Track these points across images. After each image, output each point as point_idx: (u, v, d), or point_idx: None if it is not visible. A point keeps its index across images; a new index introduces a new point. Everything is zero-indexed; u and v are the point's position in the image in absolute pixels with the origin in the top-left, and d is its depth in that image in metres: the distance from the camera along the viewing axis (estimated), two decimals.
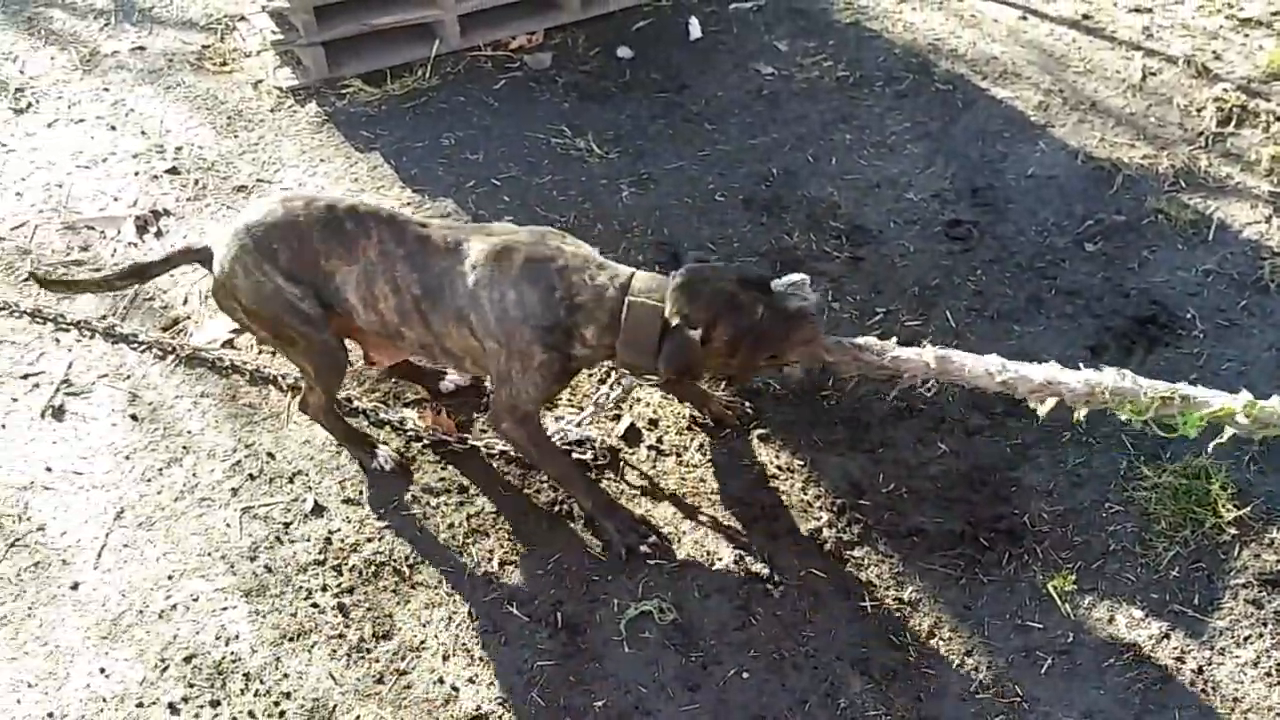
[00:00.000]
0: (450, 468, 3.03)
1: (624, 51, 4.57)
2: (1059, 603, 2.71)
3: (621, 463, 3.04)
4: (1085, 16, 4.68)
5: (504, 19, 4.63)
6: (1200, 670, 2.58)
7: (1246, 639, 2.64)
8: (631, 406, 3.18)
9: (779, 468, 3.02)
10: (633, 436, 3.11)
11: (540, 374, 2.67)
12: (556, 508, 2.93)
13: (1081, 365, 2.52)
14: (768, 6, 4.82)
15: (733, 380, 3.19)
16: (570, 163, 4.04)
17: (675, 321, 2.55)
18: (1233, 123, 4.13)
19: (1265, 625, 2.65)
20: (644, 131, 4.18)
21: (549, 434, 2.98)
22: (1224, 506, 2.85)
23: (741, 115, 4.25)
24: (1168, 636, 2.64)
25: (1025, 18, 4.71)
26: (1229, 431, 2.42)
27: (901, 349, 2.63)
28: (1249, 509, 2.85)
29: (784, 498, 2.95)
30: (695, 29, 4.69)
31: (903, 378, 2.65)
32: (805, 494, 2.96)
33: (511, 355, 2.66)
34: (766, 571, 2.78)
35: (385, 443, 3.07)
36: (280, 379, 3.24)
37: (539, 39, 4.65)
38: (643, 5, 4.81)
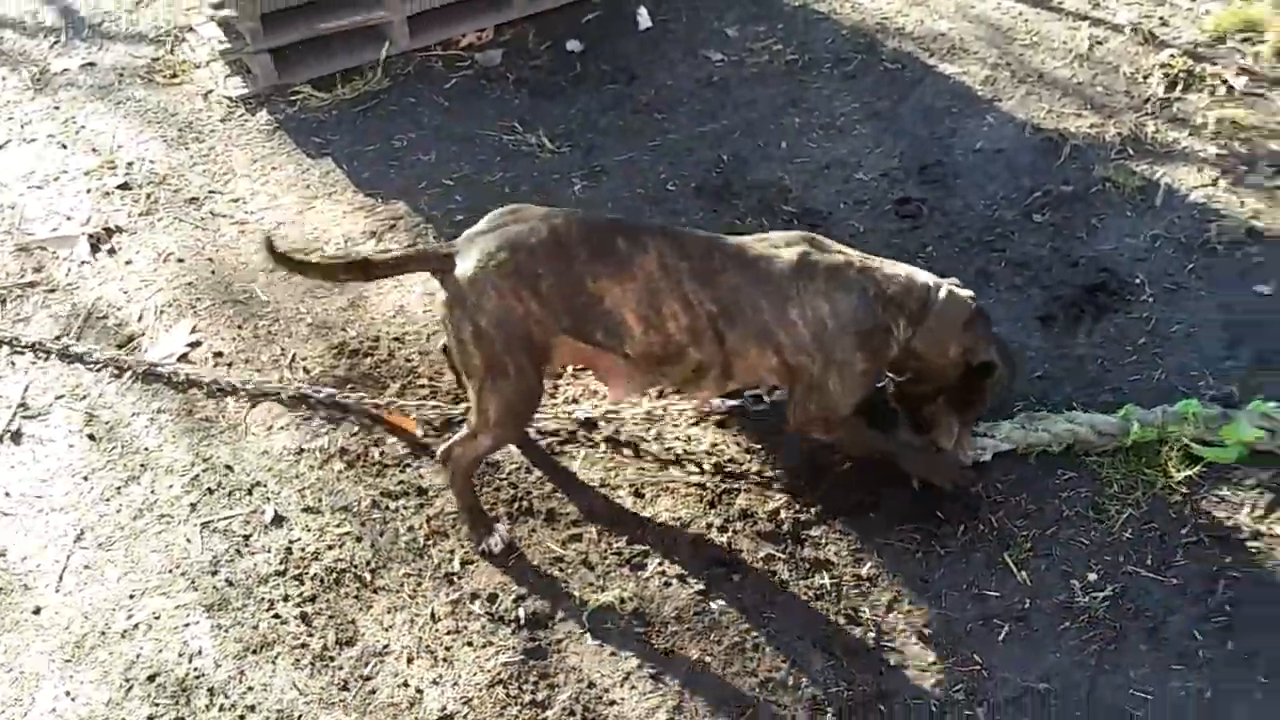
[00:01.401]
0: (409, 470, 3.04)
1: (574, 44, 4.56)
2: (1014, 570, 2.74)
3: (578, 446, 3.05)
4: None
5: (453, 17, 4.61)
6: (1154, 630, 2.61)
7: (1199, 596, 2.67)
8: (588, 399, 3.20)
9: (736, 451, 3.04)
10: (590, 427, 3.12)
11: (863, 380, 2.70)
12: (515, 504, 2.94)
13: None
14: None
15: (902, 397, 3.01)
16: (521, 159, 4.04)
17: (980, 319, 2.74)
18: (1179, 88, 4.15)
19: (1216, 581, 2.69)
20: (594, 124, 4.18)
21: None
22: (1174, 467, 2.88)
23: (691, 103, 4.25)
24: (1121, 597, 2.67)
25: None
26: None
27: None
28: (1199, 468, 2.88)
29: (741, 482, 2.97)
30: (644, 19, 4.68)
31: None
32: (762, 476, 2.98)
33: (828, 367, 2.66)
34: (726, 556, 2.80)
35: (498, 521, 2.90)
36: (239, 387, 3.23)
37: (489, 36, 4.64)
38: None
